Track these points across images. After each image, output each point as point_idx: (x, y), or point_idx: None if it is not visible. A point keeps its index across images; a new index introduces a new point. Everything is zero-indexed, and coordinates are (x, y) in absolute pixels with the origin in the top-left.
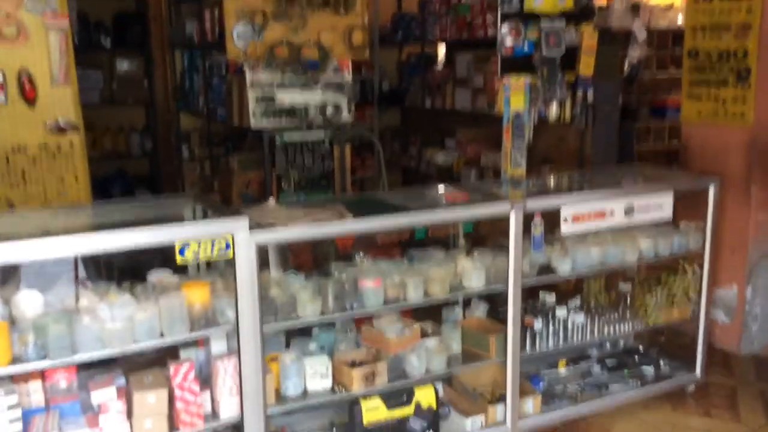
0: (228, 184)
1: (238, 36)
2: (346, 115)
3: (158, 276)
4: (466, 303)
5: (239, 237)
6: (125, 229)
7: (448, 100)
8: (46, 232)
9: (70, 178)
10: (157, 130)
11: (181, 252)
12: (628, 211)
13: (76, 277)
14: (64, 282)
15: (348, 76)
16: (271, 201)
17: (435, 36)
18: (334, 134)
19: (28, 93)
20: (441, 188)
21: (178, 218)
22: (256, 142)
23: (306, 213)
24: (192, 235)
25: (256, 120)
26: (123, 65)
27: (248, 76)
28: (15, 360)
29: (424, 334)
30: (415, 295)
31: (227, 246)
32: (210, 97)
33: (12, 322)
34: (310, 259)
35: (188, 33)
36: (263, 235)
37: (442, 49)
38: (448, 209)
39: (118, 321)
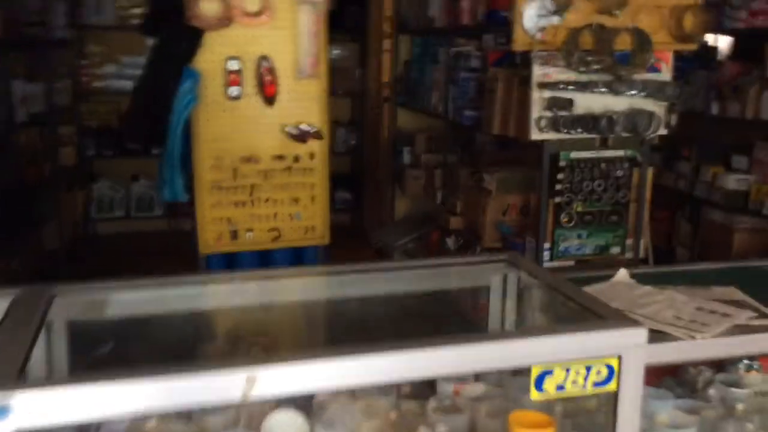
0: (476, 208)
1: (528, 17)
2: (661, 129)
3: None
4: None
5: (628, 358)
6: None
7: (750, 107)
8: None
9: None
10: (364, 125)
11: (538, 384)
12: None
13: None
14: None
15: (668, 73)
16: (622, 273)
17: (740, 20)
18: (638, 153)
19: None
20: None
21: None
22: (519, 156)
23: (696, 308)
24: (556, 354)
25: (539, 130)
26: (334, 52)
27: (535, 71)
28: None
29: None
30: None
31: (610, 374)
32: (451, 95)
33: None
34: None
35: (429, 15)
36: (661, 352)
37: (725, 41)
38: None
39: None
